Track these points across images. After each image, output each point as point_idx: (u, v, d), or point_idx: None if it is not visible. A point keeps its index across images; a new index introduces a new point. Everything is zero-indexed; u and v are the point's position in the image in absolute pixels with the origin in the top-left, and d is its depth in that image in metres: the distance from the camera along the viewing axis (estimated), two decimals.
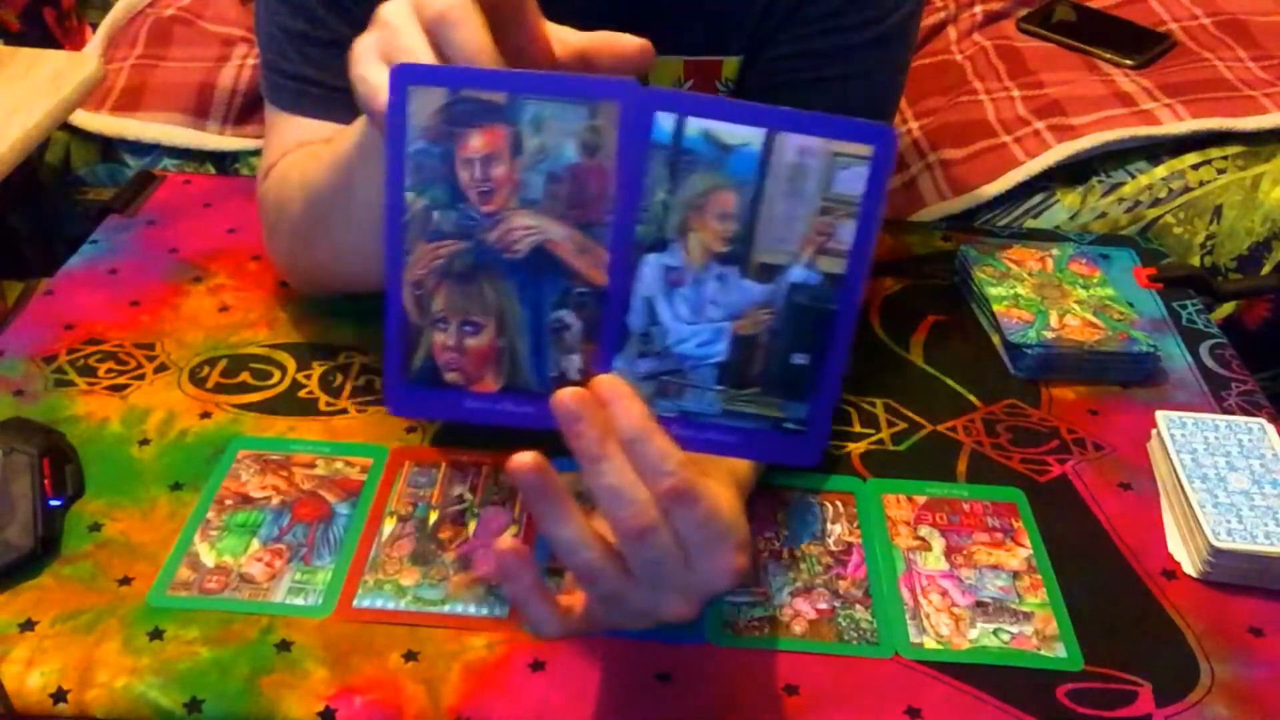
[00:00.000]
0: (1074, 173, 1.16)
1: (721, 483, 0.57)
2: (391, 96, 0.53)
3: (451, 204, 0.54)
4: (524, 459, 0.52)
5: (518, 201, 0.54)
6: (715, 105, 0.51)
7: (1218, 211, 1.11)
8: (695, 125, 0.52)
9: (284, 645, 0.65)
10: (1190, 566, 0.73)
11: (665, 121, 0.51)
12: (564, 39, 0.59)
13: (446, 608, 0.67)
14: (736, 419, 0.55)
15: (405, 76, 0.53)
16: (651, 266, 0.53)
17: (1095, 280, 0.95)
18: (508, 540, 0.54)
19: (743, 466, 0.65)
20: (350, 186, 0.72)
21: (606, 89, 0.52)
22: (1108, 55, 1.29)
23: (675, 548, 0.54)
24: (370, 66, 0.57)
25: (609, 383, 0.53)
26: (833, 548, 0.73)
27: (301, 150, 0.82)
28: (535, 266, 0.54)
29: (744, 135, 0.51)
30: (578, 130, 0.52)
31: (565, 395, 0.52)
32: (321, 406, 0.82)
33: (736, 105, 0.51)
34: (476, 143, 0.53)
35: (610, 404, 0.53)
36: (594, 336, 0.55)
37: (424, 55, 0.55)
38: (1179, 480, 0.75)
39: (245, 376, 0.84)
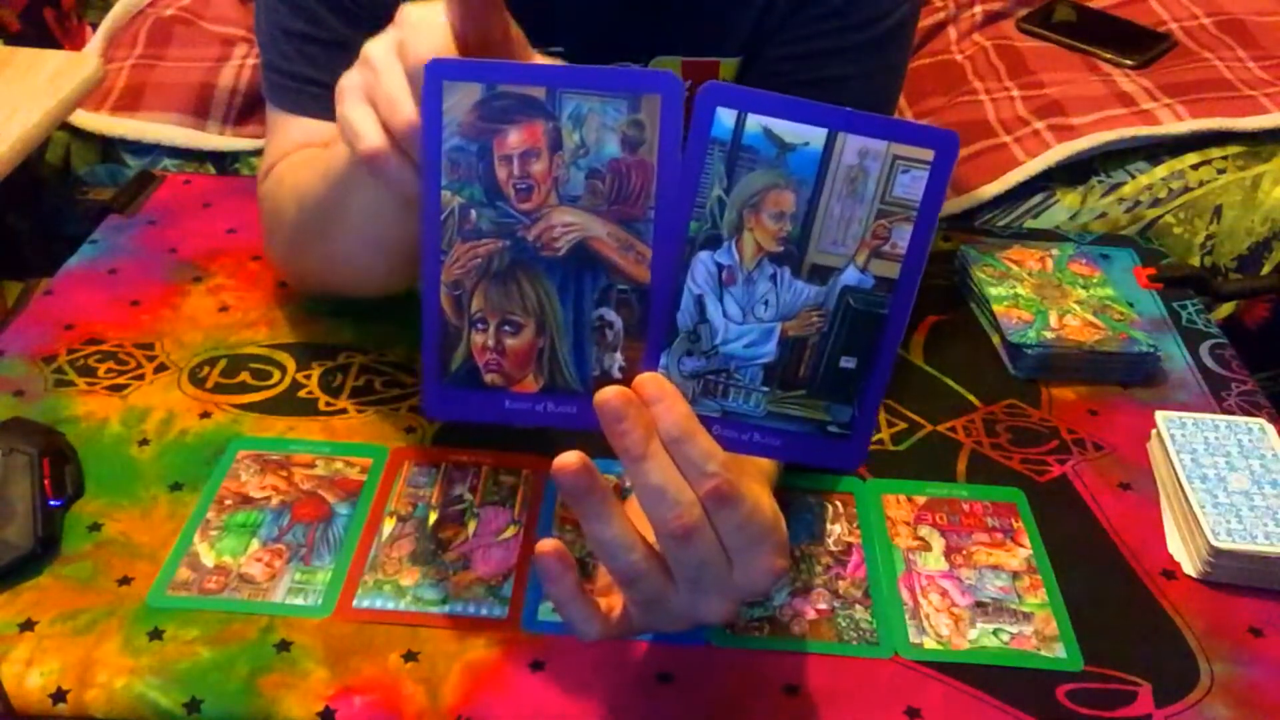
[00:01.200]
0: (1074, 173, 1.16)
1: (757, 483, 0.56)
2: (426, 92, 0.52)
3: (489, 202, 0.53)
4: (569, 460, 0.52)
5: (557, 198, 0.53)
6: (778, 103, 0.51)
7: (1218, 211, 1.11)
8: (755, 122, 0.51)
9: (284, 645, 0.65)
10: (1190, 566, 0.73)
11: (725, 117, 0.51)
12: None
13: (446, 608, 0.67)
14: (780, 420, 0.55)
15: (440, 71, 0.52)
16: (703, 264, 0.53)
17: (1095, 280, 0.95)
18: (550, 543, 0.54)
19: (771, 467, 0.65)
20: (343, 202, 0.71)
21: (648, 81, 0.51)
22: (1108, 55, 1.29)
23: (717, 549, 0.53)
24: (354, 108, 0.57)
25: (652, 382, 0.53)
26: (832, 548, 0.73)
27: (298, 154, 0.82)
28: (576, 264, 0.54)
29: (805, 134, 0.51)
30: (619, 124, 0.52)
31: (609, 394, 0.52)
32: (321, 406, 0.82)
33: (799, 104, 0.51)
34: (514, 139, 0.52)
35: (653, 404, 0.53)
36: (637, 334, 0.54)
37: (406, 102, 0.54)
38: (1179, 480, 0.75)
39: (245, 377, 0.84)
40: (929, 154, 0.51)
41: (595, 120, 0.52)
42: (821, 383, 0.54)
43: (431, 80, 0.52)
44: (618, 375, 0.55)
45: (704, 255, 0.53)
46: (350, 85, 0.58)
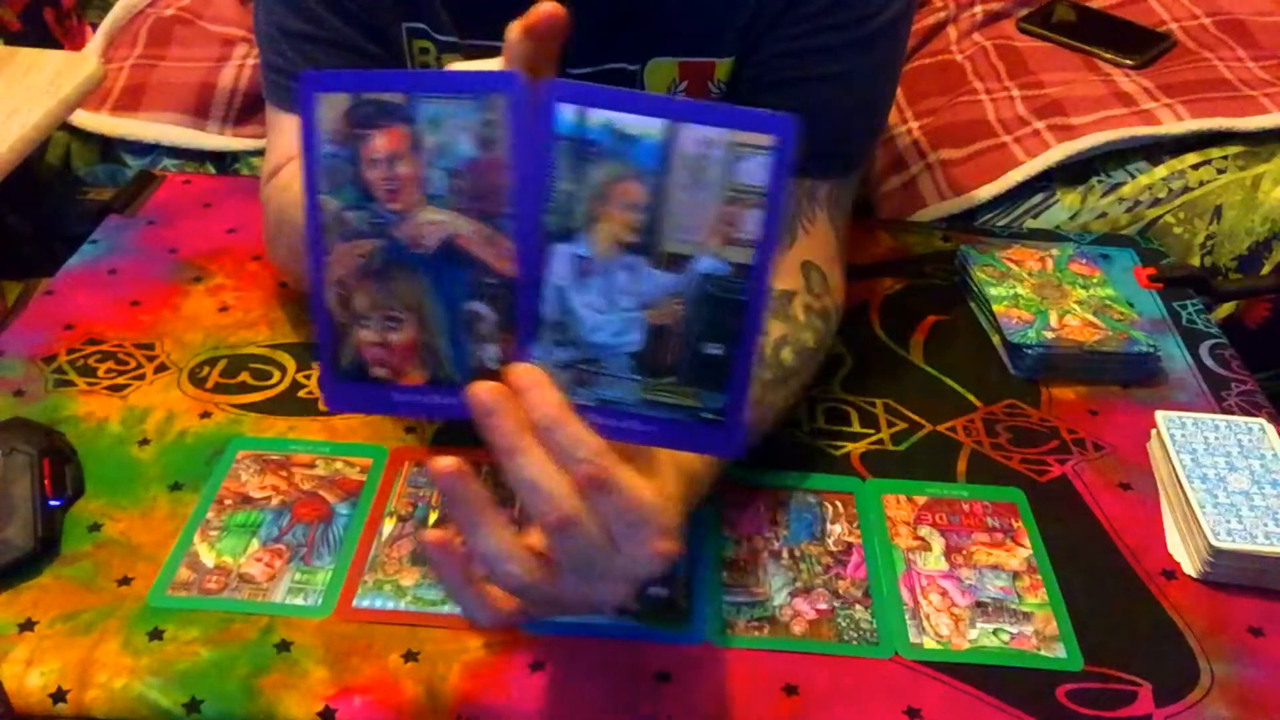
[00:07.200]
0: (1074, 173, 1.16)
1: (655, 471, 0.56)
2: (301, 105, 0.54)
3: (362, 204, 0.55)
4: (445, 463, 0.52)
5: (423, 198, 0.54)
6: (615, 96, 0.52)
7: (1218, 211, 1.11)
8: (598, 116, 0.52)
9: (283, 645, 0.65)
10: (1190, 566, 0.73)
11: (567, 113, 0.52)
12: None
13: (446, 608, 0.67)
14: (655, 408, 0.55)
15: (311, 84, 0.54)
16: (561, 256, 0.54)
17: (1095, 280, 0.95)
18: (433, 532, 0.54)
19: (689, 458, 0.65)
20: None
21: (492, 82, 0.53)
22: (1108, 55, 1.29)
23: (600, 536, 0.53)
24: None
25: (523, 371, 0.54)
26: (832, 548, 0.73)
27: None
28: (445, 260, 0.55)
29: (645, 126, 0.52)
30: (472, 125, 0.53)
31: (479, 389, 0.52)
32: (321, 406, 0.82)
33: (636, 96, 0.52)
34: (379, 143, 0.54)
35: (524, 393, 0.53)
36: (509, 327, 0.55)
37: None
38: (1179, 480, 0.75)
39: (245, 377, 0.84)
40: (769, 139, 0.51)
41: (451, 122, 0.53)
42: (689, 370, 0.55)
43: (305, 93, 0.54)
44: (493, 366, 0.55)
45: (561, 248, 0.54)
46: None
